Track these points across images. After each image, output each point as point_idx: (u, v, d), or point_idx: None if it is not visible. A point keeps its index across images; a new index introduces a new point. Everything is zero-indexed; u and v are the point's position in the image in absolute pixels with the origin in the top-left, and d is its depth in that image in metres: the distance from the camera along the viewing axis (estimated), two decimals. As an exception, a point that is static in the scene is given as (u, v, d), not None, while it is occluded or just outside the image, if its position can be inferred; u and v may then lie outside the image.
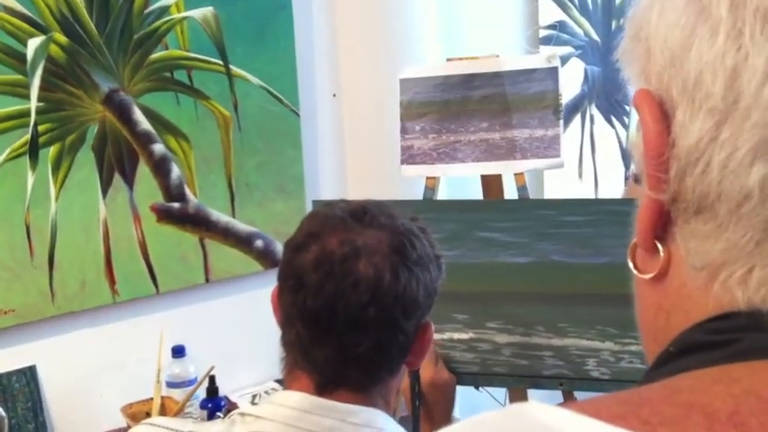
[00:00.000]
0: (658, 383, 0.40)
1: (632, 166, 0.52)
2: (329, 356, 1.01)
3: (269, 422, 0.99)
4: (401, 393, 1.43)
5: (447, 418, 1.52)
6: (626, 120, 2.93)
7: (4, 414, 1.28)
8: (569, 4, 2.71)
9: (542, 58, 1.75)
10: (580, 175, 2.81)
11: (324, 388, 1.01)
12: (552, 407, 0.37)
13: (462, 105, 1.77)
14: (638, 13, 0.47)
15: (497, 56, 1.78)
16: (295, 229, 1.07)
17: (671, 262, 0.45)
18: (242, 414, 1.02)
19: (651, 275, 0.46)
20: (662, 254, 0.45)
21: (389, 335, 1.02)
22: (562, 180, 2.66)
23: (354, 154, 2.33)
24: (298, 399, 1.00)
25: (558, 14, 2.68)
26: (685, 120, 0.42)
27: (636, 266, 0.48)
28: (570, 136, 2.72)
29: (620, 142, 2.93)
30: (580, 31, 2.76)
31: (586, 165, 2.84)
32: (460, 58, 1.80)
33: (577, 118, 2.78)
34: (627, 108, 2.93)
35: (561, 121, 1.71)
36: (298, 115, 2.19)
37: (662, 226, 0.45)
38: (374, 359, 1.03)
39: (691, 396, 0.37)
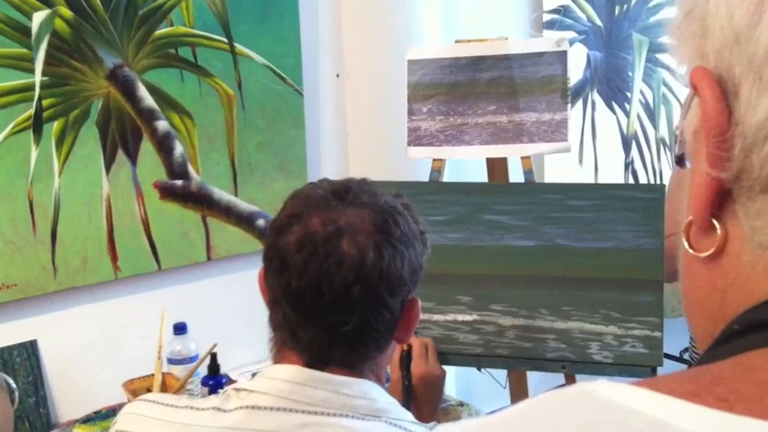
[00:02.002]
0: (729, 361, 0.39)
1: (676, 148, 0.50)
2: (316, 336, 1.01)
3: (262, 395, 0.99)
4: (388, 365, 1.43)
5: (434, 412, 1.52)
6: (627, 106, 2.93)
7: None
8: (573, -11, 2.70)
9: (551, 41, 1.74)
10: (581, 161, 2.82)
11: (312, 366, 1.02)
12: (621, 385, 0.36)
13: (470, 88, 1.77)
14: None
15: (506, 38, 1.77)
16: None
17: (728, 240, 0.44)
18: (236, 389, 1.02)
19: (707, 254, 0.45)
20: (719, 232, 0.44)
21: (375, 313, 1.02)
22: (563, 165, 2.66)
23: (357, 134, 2.33)
24: (291, 372, 1.01)
25: (562, -1, 2.68)
26: (751, 97, 0.41)
27: (690, 245, 0.47)
28: (571, 121, 2.72)
29: (620, 128, 2.94)
30: (583, 17, 2.75)
31: (587, 150, 2.84)
32: (469, 40, 1.79)
33: (579, 103, 2.78)
34: (628, 95, 2.93)
35: (569, 105, 1.71)
36: (301, 95, 2.18)
37: (719, 204, 0.44)
38: (361, 337, 1.03)
39: (765, 374, 0.37)
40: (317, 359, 1.02)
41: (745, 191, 0.43)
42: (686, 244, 0.47)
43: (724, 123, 0.42)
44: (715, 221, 0.45)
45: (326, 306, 1.00)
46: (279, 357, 1.05)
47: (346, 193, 1.04)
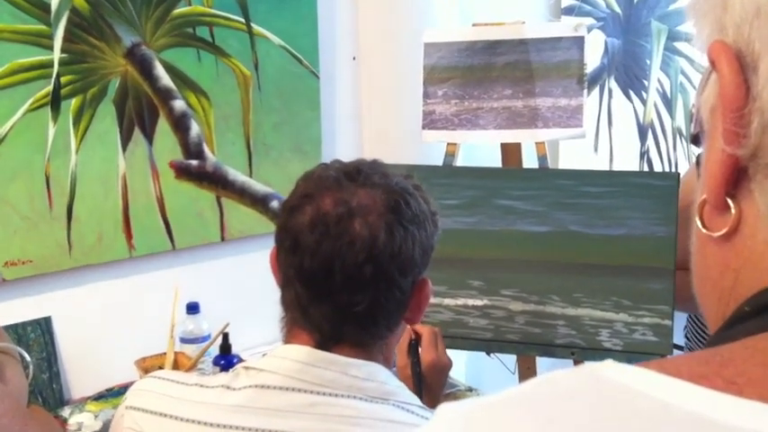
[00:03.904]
0: (738, 343, 0.38)
1: (692, 126, 0.50)
2: (328, 315, 1.02)
3: (272, 374, 1.00)
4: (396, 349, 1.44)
5: (438, 401, 1.52)
6: (644, 95, 2.92)
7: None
8: (592, -24, 2.69)
9: (569, 26, 1.74)
10: (596, 149, 2.81)
11: (323, 346, 1.02)
12: (629, 366, 0.36)
13: (486, 71, 1.76)
14: None
15: (523, 22, 1.77)
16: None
17: (742, 219, 0.44)
18: (246, 368, 1.03)
19: (720, 233, 0.45)
20: (733, 211, 0.44)
21: (386, 292, 1.03)
22: (578, 152, 2.66)
23: (372, 117, 2.33)
24: (300, 352, 1.02)
25: (580, -15, 2.66)
26: None
27: (704, 224, 0.46)
28: (587, 108, 2.71)
29: (637, 117, 2.92)
30: (602, 3, 2.74)
31: (602, 138, 2.83)
32: (486, 24, 1.79)
33: (595, 91, 2.77)
34: (645, 83, 2.91)
35: (585, 91, 1.70)
36: (317, 77, 2.18)
37: (734, 182, 0.43)
38: (372, 317, 1.04)
39: None
40: (328, 338, 1.03)
41: (761, 168, 0.42)
42: (699, 223, 0.46)
43: (741, 99, 0.42)
44: (729, 200, 0.44)
45: (338, 286, 1.00)
46: (289, 337, 1.06)
47: (358, 173, 1.05)
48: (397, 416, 1.01)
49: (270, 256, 1.09)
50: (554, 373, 0.38)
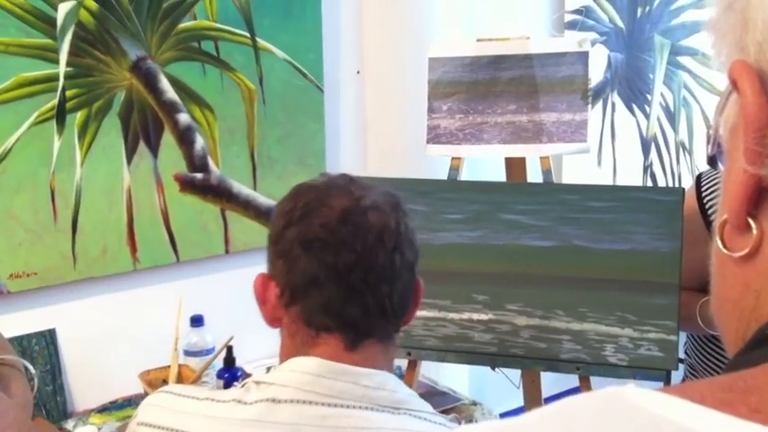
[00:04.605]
0: (760, 369, 0.38)
1: (708, 148, 0.49)
2: (365, 310, 1.03)
3: (283, 388, 1.00)
4: None
5: None
6: (647, 109, 2.93)
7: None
8: (596, -10, 2.70)
9: (573, 41, 1.74)
10: (599, 163, 2.81)
11: (354, 343, 1.03)
12: (651, 391, 0.35)
13: (490, 86, 1.77)
14: None
15: (528, 37, 1.77)
16: (277, 212, 1.08)
17: (763, 239, 0.43)
18: (257, 382, 1.02)
19: (741, 254, 0.44)
20: (755, 231, 0.43)
21: (409, 282, 1.07)
22: (581, 166, 2.66)
23: (376, 131, 2.33)
24: (311, 364, 1.01)
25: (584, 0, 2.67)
26: None
27: (724, 244, 0.46)
28: (591, 123, 2.72)
29: (640, 131, 2.93)
30: (605, 18, 2.75)
31: (606, 152, 2.84)
32: (491, 39, 1.79)
33: (599, 105, 2.77)
34: (648, 97, 2.92)
35: (589, 106, 1.71)
36: (321, 90, 2.19)
37: (756, 202, 0.43)
38: (400, 307, 1.06)
39: None
40: (362, 334, 1.04)
41: None
42: (720, 243, 0.46)
43: (764, 118, 0.41)
44: (751, 220, 0.43)
45: (376, 277, 1.02)
46: (307, 348, 1.04)
47: (351, 179, 1.09)
48: (409, 425, 1.01)
49: (257, 285, 1.08)
50: (575, 397, 0.37)
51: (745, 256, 0.44)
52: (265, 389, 1.01)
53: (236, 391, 1.05)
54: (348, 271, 1.01)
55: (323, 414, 0.98)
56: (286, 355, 1.06)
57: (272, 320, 1.09)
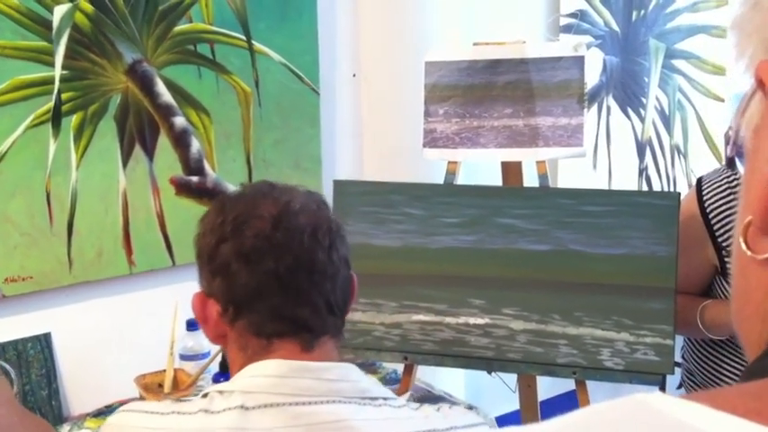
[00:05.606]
0: None
1: (728, 149, 0.48)
2: (315, 310, 1.04)
3: (248, 395, 0.99)
4: None
5: None
6: (642, 112, 2.93)
7: (8, 367, 1.30)
8: (591, -6, 2.70)
9: (569, 46, 1.74)
10: (594, 166, 2.81)
11: (311, 343, 1.04)
12: (680, 399, 0.35)
13: (486, 90, 1.77)
14: None
15: (524, 42, 1.77)
16: (204, 228, 1.10)
17: None
18: (219, 391, 1.02)
19: (765, 256, 0.43)
20: None
21: (347, 275, 1.09)
22: (576, 170, 2.66)
23: (372, 135, 2.33)
24: (273, 366, 1.01)
25: (579, 3, 2.68)
26: None
27: (748, 246, 0.45)
28: (586, 126, 2.72)
29: (635, 134, 2.93)
30: (600, 21, 2.75)
31: (601, 155, 2.84)
32: (487, 43, 1.79)
33: (594, 108, 2.78)
34: (643, 100, 2.92)
35: (585, 111, 1.71)
36: (317, 94, 2.19)
37: None
38: (344, 302, 1.08)
39: None
40: (317, 333, 1.05)
41: None
42: (744, 245, 0.45)
43: None
44: None
45: (319, 277, 1.04)
46: (261, 357, 1.04)
47: (273, 186, 1.10)
48: (374, 414, 1.02)
49: (196, 305, 1.08)
50: (601, 405, 0.36)
51: None
52: (228, 397, 1.00)
53: (199, 401, 1.03)
54: (290, 274, 1.02)
55: (294, 413, 0.99)
56: (239, 366, 1.05)
57: (216, 338, 1.09)
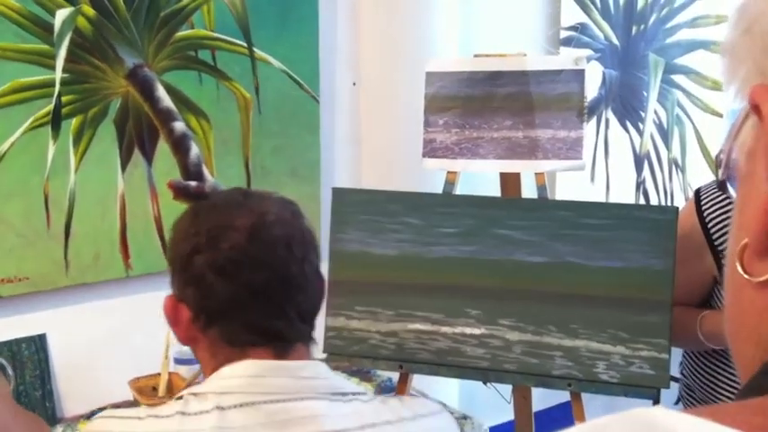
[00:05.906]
0: None
1: (719, 172, 0.48)
2: (288, 321, 1.05)
3: (224, 396, 1.00)
4: None
5: None
6: (640, 126, 2.94)
7: (5, 362, 1.30)
8: (591, 7, 2.71)
9: (569, 59, 1.75)
10: (592, 179, 2.82)
11: (285, 350, 1.05)
12: (682, 413, 0.35)
13: (486, 102, 1.77)
14: (751, 7, 0.44)
15: (524, 54, 1.78)
16: (178, 235, 1.09)
17: None
18: (194, 394, 1.02)
19: (762, 279, 0.43)
20: None
21: (320, 283, 1.11)
22: (574, 182, 2.67)
23: (371, 144, 2.34)
24: (246, 366, 1.02)
25: (579, 16, 2.69)
26: None
27: (744, 269, 0.45)
28: (585, 139, 2.73)
29: (633, 147, 2.94)
30: (600, 35, 2.76)
31: (599, 168, 2.85)
32: (487, 55, 1.80)
33: (593, 121, 2.78)
34: (642, 114, 2.93)
35: (584, 124, 1.71)
36: (317, 102, 2.19)
37: None
38: (315, 311, 1.10)
39: None
40: (290, 341, 1.06)
41: None
42: (740, 267, 0.45)
43: None
44: None
45: (293, 290, 1.05)
46: (235, 362, 1.04)
47: (247, 194, 1.12)
48: (344, 409, 1.04)
49: (167, 309, 1.08)
50: (604, 419, 0.36)
51: (765, 282, 0.43)
52: (203, 399, 1.01)
53: (174, 404, 1.03)
54: (265, 287, 1.03)
55: (269, 411, 0.99)
56: (212, 369, 1.06)
57: (187, 340, 1.10)
